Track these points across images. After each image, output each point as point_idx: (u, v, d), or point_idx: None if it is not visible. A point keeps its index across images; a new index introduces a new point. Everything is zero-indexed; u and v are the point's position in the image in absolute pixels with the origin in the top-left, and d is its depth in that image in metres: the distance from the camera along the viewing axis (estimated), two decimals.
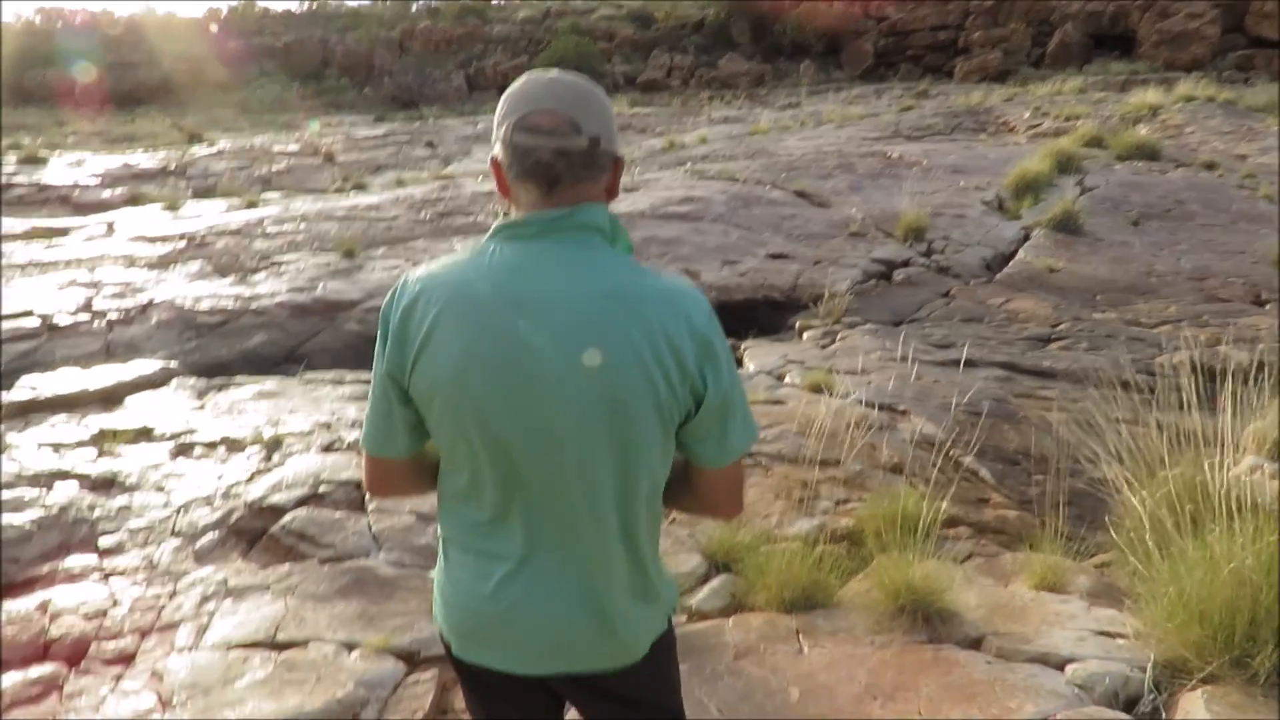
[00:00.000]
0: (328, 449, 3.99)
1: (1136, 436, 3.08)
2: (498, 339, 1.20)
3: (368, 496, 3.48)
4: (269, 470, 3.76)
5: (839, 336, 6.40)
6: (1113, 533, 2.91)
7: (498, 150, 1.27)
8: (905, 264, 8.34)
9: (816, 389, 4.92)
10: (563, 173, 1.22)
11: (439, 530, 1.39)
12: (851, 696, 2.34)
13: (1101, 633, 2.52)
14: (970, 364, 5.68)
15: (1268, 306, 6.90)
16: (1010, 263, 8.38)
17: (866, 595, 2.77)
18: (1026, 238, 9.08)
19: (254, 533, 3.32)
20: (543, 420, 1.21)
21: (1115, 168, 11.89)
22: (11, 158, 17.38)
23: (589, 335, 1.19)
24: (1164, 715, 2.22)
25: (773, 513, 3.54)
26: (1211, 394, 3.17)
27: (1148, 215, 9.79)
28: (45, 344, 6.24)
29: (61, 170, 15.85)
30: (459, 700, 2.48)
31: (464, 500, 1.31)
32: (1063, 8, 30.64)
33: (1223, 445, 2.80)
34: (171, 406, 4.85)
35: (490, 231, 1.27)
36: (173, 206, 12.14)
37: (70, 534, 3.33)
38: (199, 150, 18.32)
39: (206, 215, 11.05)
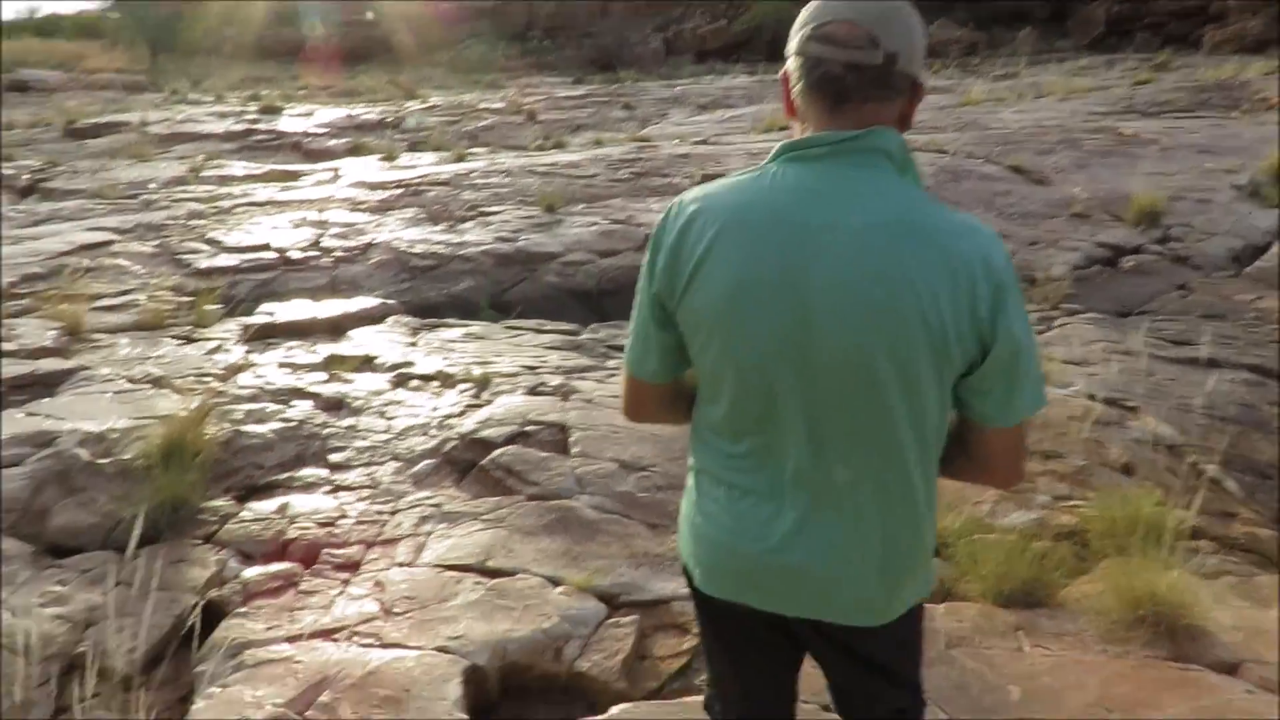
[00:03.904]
0: (533, 391, 4.11)
1: None
2: (776, 265, 1.12)
3: (571, 439, 3.56)
4: (479, 406, 3.92)
5: (1056, 323, 5.92)
6: None
7: (790, 63, 1.19)
8: (1136, 250, 7.59)
9: None
10: (852, 89, 1.13)
11: (690, 460, 1.34)
12: (1081, 705, 2.15)
13: None
14: (1213, 364, 5.11)
15: None
16: (1263, 255, 7.47)
17: (1097, 599, 2.54)
18: None
19: (465, 463, 3.48)
20: (817, 355, 1.12)
21: None
22: (253, 107, 19.12)
23: (873, 265, 1.09)
24: None
25: (984, 500, 3.32)
26: None
27: None
28: (280, 276, 6.81)
29: (294, 120, 17.25)
30: (659, 647, 2.50)
31: (720, 433, 1.26)
32: None
33: None
34: (389, 340, 5.16)
35: (773, 152, 1.19)
36: (390, 157, 12.91)
37: (305, 447, 3.61)
38: (413, 105, 19.40)
39: (419, 166, 11.68)
